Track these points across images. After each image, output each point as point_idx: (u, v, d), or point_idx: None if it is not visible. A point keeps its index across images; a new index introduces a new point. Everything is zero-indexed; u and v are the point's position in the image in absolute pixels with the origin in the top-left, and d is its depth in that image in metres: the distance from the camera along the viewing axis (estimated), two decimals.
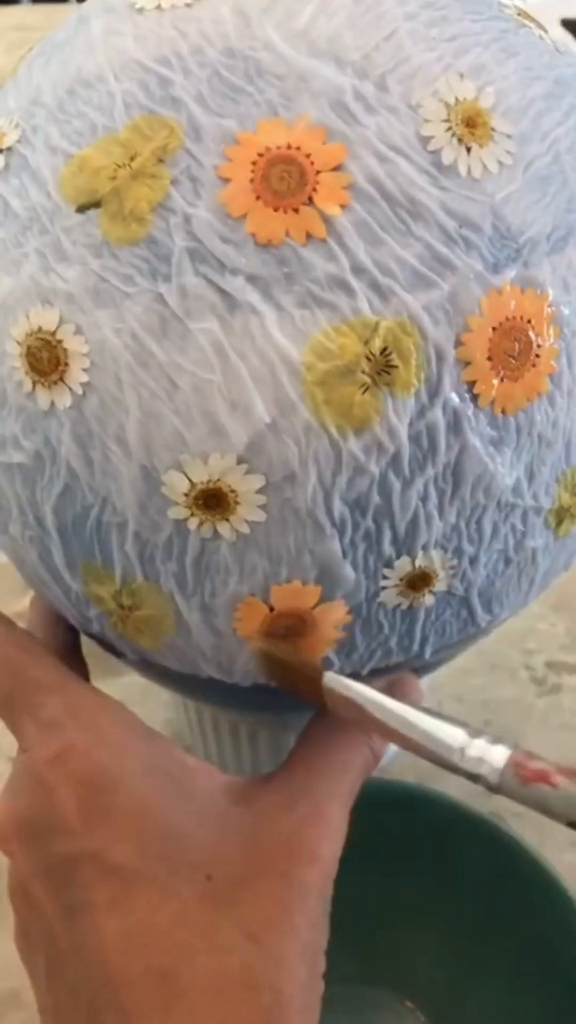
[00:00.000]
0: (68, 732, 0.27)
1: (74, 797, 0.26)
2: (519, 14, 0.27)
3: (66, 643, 0.32)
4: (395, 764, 0.46)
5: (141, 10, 0.25)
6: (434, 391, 0.23)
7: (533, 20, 0.27)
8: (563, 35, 0.92)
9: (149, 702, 0.49)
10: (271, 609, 0.26)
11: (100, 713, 0.28)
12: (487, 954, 0.37)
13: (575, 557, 0.30)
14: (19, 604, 0.52)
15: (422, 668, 0.31)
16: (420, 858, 0.37)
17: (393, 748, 0.46)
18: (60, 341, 0.24)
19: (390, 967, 0.38)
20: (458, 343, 0.23)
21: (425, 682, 0.43)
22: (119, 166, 0.23)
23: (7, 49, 1.11)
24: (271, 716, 0.37)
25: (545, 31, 0.27)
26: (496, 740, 0.23)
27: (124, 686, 0.49)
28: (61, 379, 0.24)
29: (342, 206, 0.23)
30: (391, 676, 0.30)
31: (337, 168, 0.23)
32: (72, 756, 0.26)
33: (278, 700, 0.30)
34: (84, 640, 0.32)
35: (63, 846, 0.26)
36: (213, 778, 0.28)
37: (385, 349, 0.23)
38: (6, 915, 0.28)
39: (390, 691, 0.31)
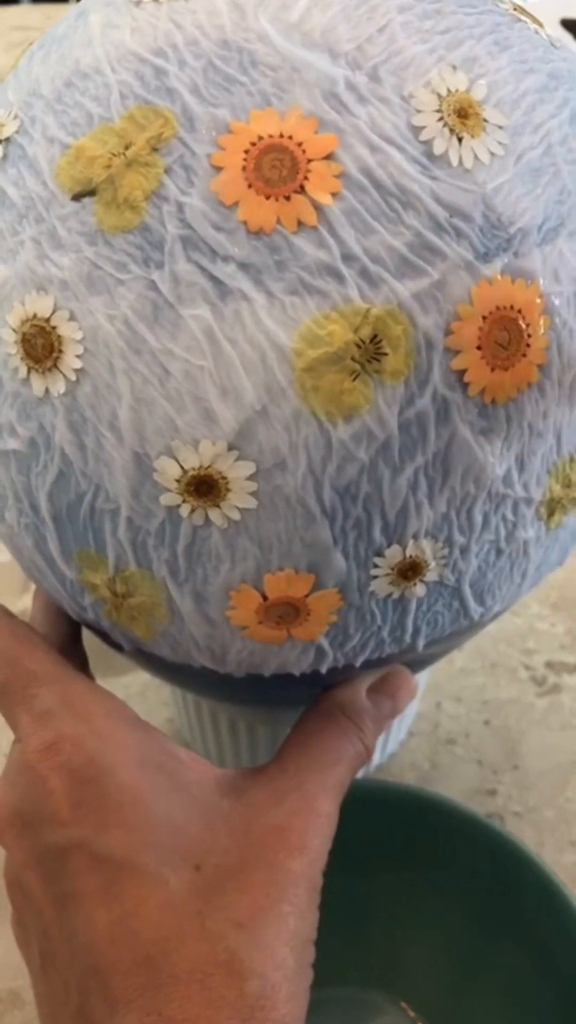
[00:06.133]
0: (60, 723, 0.27)
1: (65, 787, 0.26)
2: (515, 9, 0.27)
3: (66, 635, 0.32)
4: (395, 765, 0.46)
5: (139, 3, 0.25)
6: (423, 379, 0.23)
7: (529, 15, 0.28)
8: (563, 35, 0.92)
9: (150, 700, 0.49)
10: (264, 598, 0.26)
11: (93, 705, 0.28)
12: (485, 957, 0.37)
13: (569, 551, 0.30)
14: (20, 603, 0.52)
15: (416, 662, 0.31)
16: (418, 860, 0.37)
17: (389, 747, 0.46)
18: (55, 328, 0.24)
19: (387, 970, 0.38)
20: (448, 332, 0.23)
21: (425, 680, 0.43)
22: (114, 155, 0.24)
23: (7, 48, 1.12)
24: (265, 709, 0.37)
25: (541, 26, 0.28)
26: None
27: (125, 685, 0.49)
28: (55, 365, 0.24)
29: (333, 195, 0.23)
30: (385, 669, 0.30)
31: (328, 157, 0.23)
32: (64, 747, 0.26)
33: (271, 692, 0.30)
34: (87, 637, 0.32)
35: (54, 836, 0.26)
36: (204, 771, 0.28)
37: (375, 337, 0.23)
38: (6, 912, 0.29)
39: (384, 683, 0.31)
